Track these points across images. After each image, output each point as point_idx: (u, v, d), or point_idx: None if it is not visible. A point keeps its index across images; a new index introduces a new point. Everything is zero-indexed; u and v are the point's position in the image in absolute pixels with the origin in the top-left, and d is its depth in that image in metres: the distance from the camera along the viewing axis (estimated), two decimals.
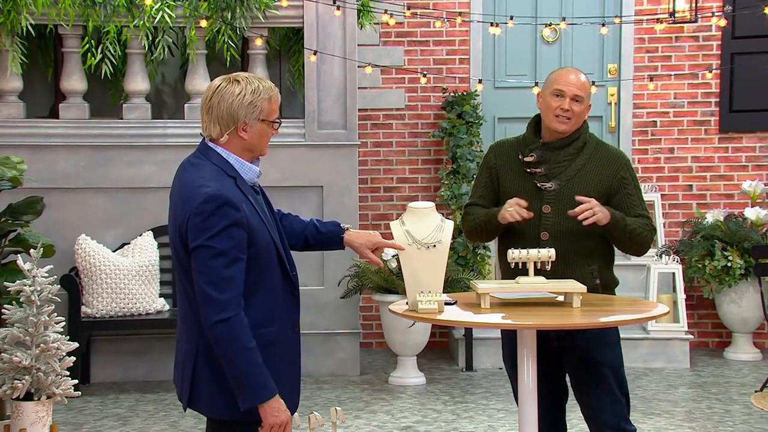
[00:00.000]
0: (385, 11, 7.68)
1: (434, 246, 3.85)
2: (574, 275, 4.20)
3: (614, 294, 4.41)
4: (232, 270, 3.34)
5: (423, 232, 3.85)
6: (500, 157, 4.48)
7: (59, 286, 5.74)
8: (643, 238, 4.32)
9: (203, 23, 7.41)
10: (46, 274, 5.50)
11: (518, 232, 4.32)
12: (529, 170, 4.36)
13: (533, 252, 4.04)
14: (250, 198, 3.49)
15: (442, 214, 4.04)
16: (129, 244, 7.44)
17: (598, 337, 4.27)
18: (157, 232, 7.47)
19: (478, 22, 8.33)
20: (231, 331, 3.31)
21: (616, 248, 4.41)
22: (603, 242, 4.35)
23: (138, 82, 7.64)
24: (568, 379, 4.45)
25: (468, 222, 4.48)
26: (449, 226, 3.91)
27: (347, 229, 3.85)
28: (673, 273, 8.14)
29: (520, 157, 4.40)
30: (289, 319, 3.55)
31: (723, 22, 8.06)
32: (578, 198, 4.21)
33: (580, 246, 4.27)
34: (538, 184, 4.32)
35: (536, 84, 7.77)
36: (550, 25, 8.32)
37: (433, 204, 3.96)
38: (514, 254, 4.04)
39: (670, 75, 8.69)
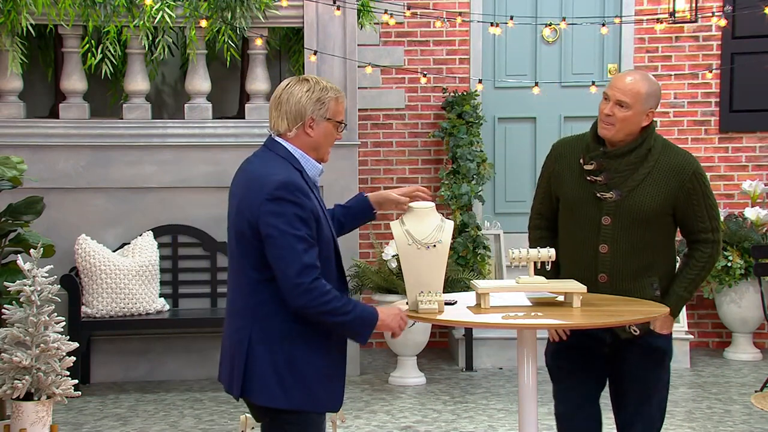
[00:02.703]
0: (385, 11, 7.68)
1: (434, 246, 3.84)
2: (634, 288, 4.15)
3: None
4: (310, 255, 3.43)
5: (423, 233, 3.85)
6: (562, 160, 4.29)
7: (59, 286, 5.74)
8: (707, 273, 4.23)
9: (203, 23, 7.41)
10: (46, 274, 5.50)
11: (575, 244, 4.21)
12: (589, 178, 4.17)
13: (533, 252, 4.02)
14: (314, 192, 3.59)
15: (442, 214, 4.03)
16: (129, 244, 7.44)
17: (652, 351, 4.24)
18: (157, 232, 7.47)
19: (478, 22, 8.34)
20: (322, 302, 3.42)
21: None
22: (665, 253, 4.22)
23: (138, 82, 7.64)
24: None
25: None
26: (449, 226, 3.90)
27: (366, 195, 3.95)
28: None
29: (581, 161, 4.21)
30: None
31: (723, 22, 8.06)
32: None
33: (641, 258, 4.15)
34: (598, 194, 4.16)
35: (536, 84, 7.77)
36: (550, 25, 8.32)
37: (433, 204, 3.95)
38: (515, 254, 4.03)
39: (670, 75, 8.70)
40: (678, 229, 4.27)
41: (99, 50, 7.39)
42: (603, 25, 7.86)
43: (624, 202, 4.13)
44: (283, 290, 3.43)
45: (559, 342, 4.34)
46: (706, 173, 4.27)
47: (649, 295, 4.16)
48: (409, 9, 7.96)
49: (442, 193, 8.14)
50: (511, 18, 7.78)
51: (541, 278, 4.01)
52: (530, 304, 4.02)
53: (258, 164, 3.58)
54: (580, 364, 4.31)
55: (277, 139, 3.61)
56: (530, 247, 4.26)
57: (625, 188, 4.14)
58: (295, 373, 3.50)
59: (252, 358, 3.51)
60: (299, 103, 3.56)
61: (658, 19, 8.36)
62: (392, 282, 7.36)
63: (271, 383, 3.50)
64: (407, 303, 3.96)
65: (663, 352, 4.31)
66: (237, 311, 3.57)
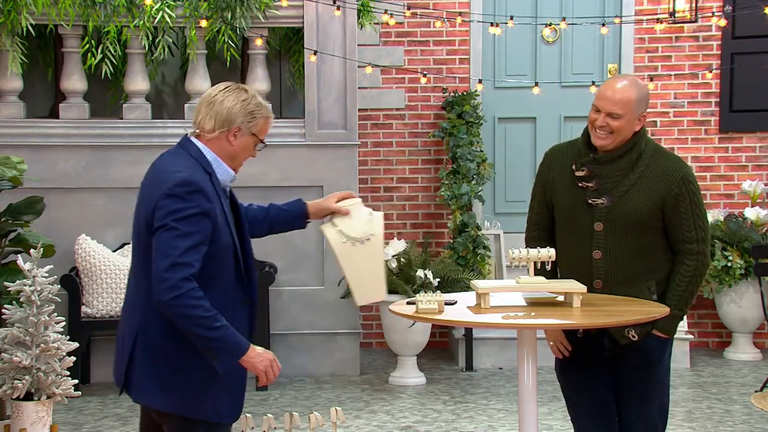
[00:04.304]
0: (385, 11, 7.68)
1: (368, 239, 3.84)
2: (630, 292, 4.13)
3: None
4: (191, 255, 3.38)
5: (355, 228, 3.85)
6: (554, 168, 4.27)
7: (59, 286, 5.75)
8: (696, 288, 4.18)
9: (203, 23, 7.41)
10: (46, 274, 5.50)
11: (570, 250, 4.20)
12: (581, 184, 4.18)
13: (533, 252, 4.02)
14: (221, 198, 3.55)
15: (371, 210, 3.96)
16: (129, 244, 7.44)
17: (651, 352, 4.22)
18: None
19: (478, 22, 8.33)
20: (186, 305, 3.34)
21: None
22: (661, 257, 4.19)
23: (138, 82, 7.64)
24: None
25: None
26: (378, 217, 3.90)
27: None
28: None
29: (573, 167, 4.20)
30: (236, 328, 3.50)
31: (723, 22, 8.06)
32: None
33: (635, 263, 4.14)
34: (590, 200, 4.15)
35: (536, 84, 7.77)
36: (550, 25, 8.32)
37: (359, 199, 3.95)
38: (515, 254, 4.02)
39: (670, 75, 8.70)
40: None
41: (99, 50, 7.39)
42: (603, 25, 7.86)
43: (615, 208, 4.12)
44: (153, 283, 3.38)
45: (564, 359, 4.33)
46: (697, 182, 4.23)
47: (647, 299, 4.15)
48: (409, 9, 7.96)
49: (442, 193, 8.14)
50: (511, 18, 7.78)
51: (541, 278, 4.01)
52: (531, 304, 4.02)
53: (166, 160, 3.56)
54: (588, 374, 4.30)
55: (192, 139, 3.59)
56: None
57: (616, 194, 4.13)
58: (176, 376, 3.47)
59: (136, 355, 3.49)
60: (232, 110, 3.54)
61: (658, 19, 8.36)
62: (392, 282, 7.36)
63: (151, 382, 3.48)
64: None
65: (662, 356, 4.29)
66: (131, 308, 3.56)
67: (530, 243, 4.37)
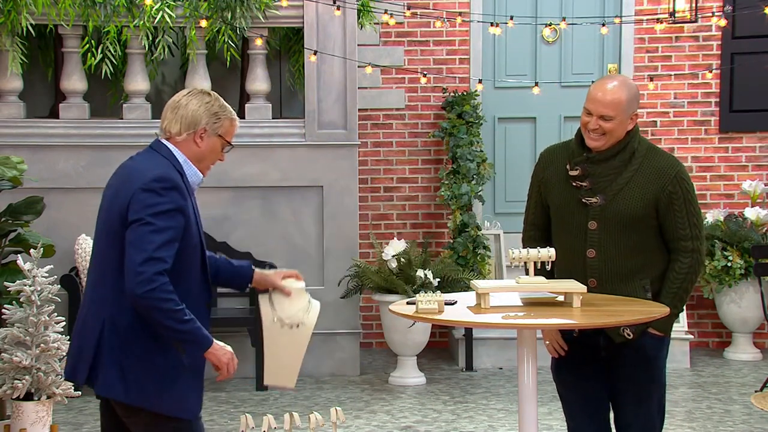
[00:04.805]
0: (385, 11, 7.68)
1: (297, 327, 3.85)
2: (624, 291, 4.14)
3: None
4: (165, 250, 3.45)
5: (289, 313, 3.85)
6: (549, 168, 4.28)
7: (59, 286, 5.75)
8: (692, 285, 4.18)
9: (203, 23, 7.41)
10: (47, 274, 5.51)
11: (565, 250, 4.20)
12: (574, 184, 4.19)
13: (533, 252, 4.02)
14: (191, 196, 3.63)
15: (311, 298, 3.94)
16: None
17: (647, 350, 4.22)
18: None
19: (478, 22, 8.34)
20: (159, 298, 3.41)
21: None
22: (655, 255, 4.19)
23: (138, 82, 7.64)
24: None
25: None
26: (316, 307, 3.90)
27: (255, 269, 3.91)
28: None
29: (567, 167, 4.21)
30: None
31: (723, 22, 8.06)
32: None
33: (629, 262, 4.15)
34: (584, 199, 4.17)
35: (536, 84, 7.77)
36: (550, 25, 8.32)
37: (303, 284, 3.91)
38: (515, 254, 4.03)
39: (670, 75, 8.70)
40: None
41: (99, 50, 7.39)
42: (603, 25, 7.86)
43: (609, 207, 4.13)
44: (126, 276, 3.44)
45: (559, 357, 4.34)
46: (691, 180, 4.23)
47: (641, 297, 4.16)
48: (409, 9, 7.96)
49: (442, 193, 8.14)
50: (511, 18, 7.78)
51: (542, 278, 4.01)
52: (531, 304, 4.02)
53: (139, 161, 3.64)
54: (582, 374, 4.30)
55: (163, 141, 3.67)
56: None
57: (609, 192, 4.14)
58: (138, 370, 3.52)
59: (100, 348, 3.53)
60: (196, 112, 3.64)
61: (658, 19, 8.36)
62: (392, 282, 7.36)
63: (112, 375, 3.52)
64: (407, 303, 3.96)
65: (657, 354, 4.28)
66: (94, 299, 3.60)
67: (527, 243, 4.38)
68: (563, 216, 4.24)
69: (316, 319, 3.87)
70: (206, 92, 3.72)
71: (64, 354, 5.45)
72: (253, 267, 3.90)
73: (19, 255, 5.99)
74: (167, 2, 7.31)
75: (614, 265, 4.15)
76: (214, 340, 3.60)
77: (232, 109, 3.74)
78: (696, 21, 8.52)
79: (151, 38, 7.52)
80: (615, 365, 4.27)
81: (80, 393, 5.66)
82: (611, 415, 4.40)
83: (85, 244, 7.24)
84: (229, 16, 7.38)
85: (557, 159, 4.28)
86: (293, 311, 3.84)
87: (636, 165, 4.15)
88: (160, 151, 3.64)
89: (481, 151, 8.36)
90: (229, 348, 3.65)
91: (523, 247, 4.28)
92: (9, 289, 5.51)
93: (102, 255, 3.61)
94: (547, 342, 4.33)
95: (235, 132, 3.73)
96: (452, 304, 4.04)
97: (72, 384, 5.47)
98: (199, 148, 3.65)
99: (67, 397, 5.50)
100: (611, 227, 4.13)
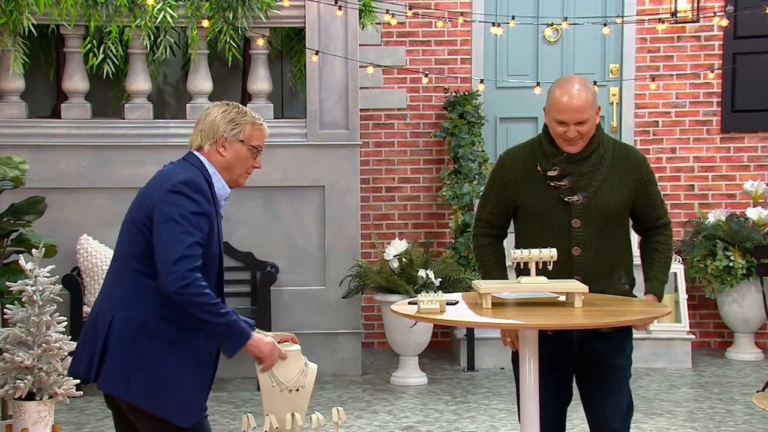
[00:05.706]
0: (387, 11, 7.69)
1: (297, 390, 3.92)
2: (605, 285, 4.19)
3: (634, 295, 4.38)
4: (194, 249, 3.49)
5: (287, 376, 3.90)
6: (516, 170, 4.29)
7: (61, 285, 5.75)
8: (671, 256, 4.41)
9: (205, 23, 7.41)
10: (48, 274, 5.51)
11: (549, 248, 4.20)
12: (552, 184, 4.22)
13: (534, 252, 4.03)
14: (217, 209, 3.68)
15: (306, 360, 3.99)
16: None
17: (617, 342, 4.26)
18: None
19: (480, 22, 8.34)
20: (194, 293, 3.45)
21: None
22: (626, 245, 4.32)
23: (140, 82, 7.64)
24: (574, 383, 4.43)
25: (477, 257, 4.46)
26: (312, 369, 3.96)
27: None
28: (675, 273, 8.13)
29: (538, 168, 4.24)
30: (208, 344, 3.62)
31: (725, 22, 8.06)
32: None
33: (609, 256, 4.23)
34: (565, 198, 4.20)
35: (538, 84, 7.77)
36: (551, 25, 8.32)
37: (299, 347, 3.95)
38: (516, 254, 4.03)
39: (672, 75, 8.69)
40: (632, 223, 4.41)
41: (101, 50, 7.40)
42: (605, 25, 7.86)
43: (591, 203, 4.20)
44: (159, 275, 3.48)
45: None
46: None
47: (620, 291, 4.24)
48: (410, 9, 7.96)
49: (444, 193, 8.14)
50: (513, 18, 7.78)
51: (543, 278, 4.01)
52: (531, 304, 4.02)
53: (170, 168, 3.71)
54: (549, 369, 4.23)
55: (195, 152, 3.73)
56: (476, 255, 4.41)
57: (590, 189, 4.20)
58: (144, 369, 3.53)
59: (108, 344, 3.56)
60: (213, 122, 3.70)
61: (659, 18, 8.36)
62: (394, 282, 7.36)
63: (117, 372, 3.54)
64: (409, 303, 3.96)
65: (627, 345, 4.35)
66: (109, 296, 3.65)
67: (480, 239, 4.41)
68: (542, 217, 4.26)
69: (313, 382, 3.95)
70: (227, 102, 3.78)
71: (66, 354, 5.45)
72: (254, 328, 3.83)
73: (20, 255, 5.99)
74: (169, 2, 7.32)
75: (598, 260, 4.22)
76: (254, 332, 3.63)
77: (255, 115, 3.76)
78: (698, 21, 8.52)
79: (152, 38, 7.52)
80: (586, 357, 4.29)
81: (82, 393, 5.66)
82: (566, 414, 4.42)
83: (87, 244, 7.25)
84: (231, 16, 7.38)
85: (523, 162, 4.30)
86: (291, 375, 3.91)
87: (609, 159, 4.25)
88: (192, 161, 3.70)
89: (483, 151, 8.36)
90: (270, 338, 3.68)
91: (475, 242, 4.41)
92: (11, 289, 5.51)
93: (122, 254, 3.65)
94: (509, 339, 4.31)
95: (263, 136, 3.76)
96: (454, 304, 4.04)
97: (74, 383, 5.48)
98: (223, 157, 3.69)
99: (69, 396, 5.50)
100: (594, 224, 4.20)
